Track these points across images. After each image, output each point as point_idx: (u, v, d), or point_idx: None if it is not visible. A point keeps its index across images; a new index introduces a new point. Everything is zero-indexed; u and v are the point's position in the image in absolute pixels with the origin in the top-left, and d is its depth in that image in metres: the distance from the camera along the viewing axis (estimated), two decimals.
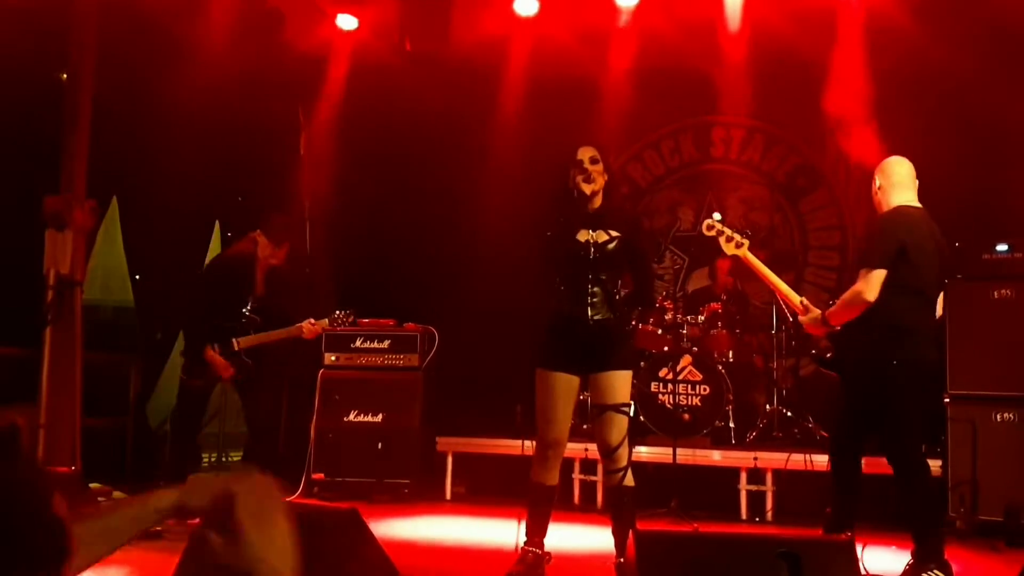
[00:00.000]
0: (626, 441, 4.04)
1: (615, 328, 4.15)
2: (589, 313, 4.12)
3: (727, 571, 2.73)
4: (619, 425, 4.05)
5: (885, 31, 6.97)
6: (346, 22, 7.62)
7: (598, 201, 4.24)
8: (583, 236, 4.17)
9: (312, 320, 5.74)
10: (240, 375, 5.62)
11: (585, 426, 6.15)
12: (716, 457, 6.27)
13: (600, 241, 4.15)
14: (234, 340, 5.61)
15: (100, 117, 6.52)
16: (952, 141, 6.68)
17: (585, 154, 4.21)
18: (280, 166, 7.86)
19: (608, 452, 4.07)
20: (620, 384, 4.09)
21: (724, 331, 6.95)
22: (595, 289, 4.13)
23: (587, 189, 4.13)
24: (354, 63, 7.92)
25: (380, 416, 6.73)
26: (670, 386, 6.60)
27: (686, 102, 8.28)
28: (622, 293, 4.24)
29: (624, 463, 4.03)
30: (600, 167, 4.20)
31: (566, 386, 4.16)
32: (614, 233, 4.15)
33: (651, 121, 8.41)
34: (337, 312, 5.80)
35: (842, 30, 7.13)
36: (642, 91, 7.94)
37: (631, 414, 4.14)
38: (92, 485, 6.27)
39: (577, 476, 6.46)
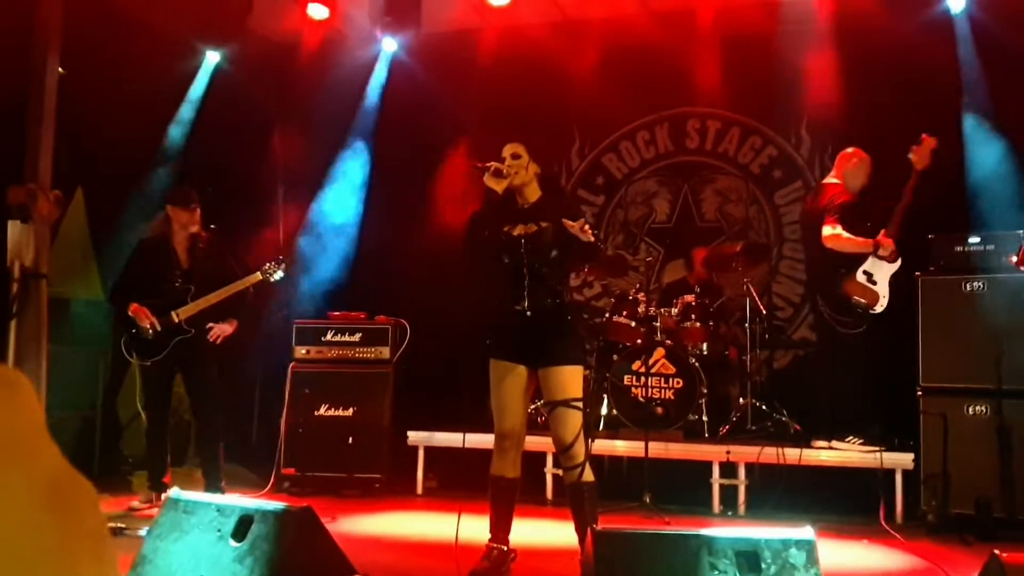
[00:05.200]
0: (581, 436, 3.99)
1: (557, 318, 4.12)
2: (527, 304, 4.11)
3: (686, 568, 2.68)
4: (572, 421, 4.00)
5: (857, 21, 6.96)
6: (317, 11, 7.50)
7: (532, 196, 4.25)
8: (518, 231, 4.16)
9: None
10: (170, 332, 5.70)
11: None
12: (688, 451, 6.23)
13: (531, 233, 4.14)
14: (173, 313, 5.72)
15: (66, 106, 6.40)
16: (925, 130, 6.67)
17: (507, 151, 4.21)
18: (252, 156, 7.79)
19: (563, 448, 4.03)
20: (568, 379, 4.04)
21: (698, 323, 6.90)
22: (532, 281, 4.11)
23: (495, 184, 4.07)
24: (325, 51, 7.82)
25: (351, 410, 6.66)
26: (643, 379, 6.57)
27: (662, 93, 8.23)
28: (565, 284, 4.21)
29: (581, 459, 3.98)
30: (523, 162, 4.18)
31: (514, 376, 4.13)
32: (545, 224, 4.13)
33: (627, 112, 8.35)
34: (268, 263, 5.90)
35: (817, 22, 7.12)
36: (617, 82, 7.91)
37: (583, 408, 4.09)
38: None
39: (549, 470, 6.41)
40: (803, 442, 6.03)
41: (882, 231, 5.72)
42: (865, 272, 5.80)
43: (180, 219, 5.83)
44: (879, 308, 5.79)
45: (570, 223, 3.93)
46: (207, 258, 5.88)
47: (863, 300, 5.81)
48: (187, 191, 5.93)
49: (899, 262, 5.76)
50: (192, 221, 5.84)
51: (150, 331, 5.66)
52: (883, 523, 5.16)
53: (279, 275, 5.94)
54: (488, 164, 4.11)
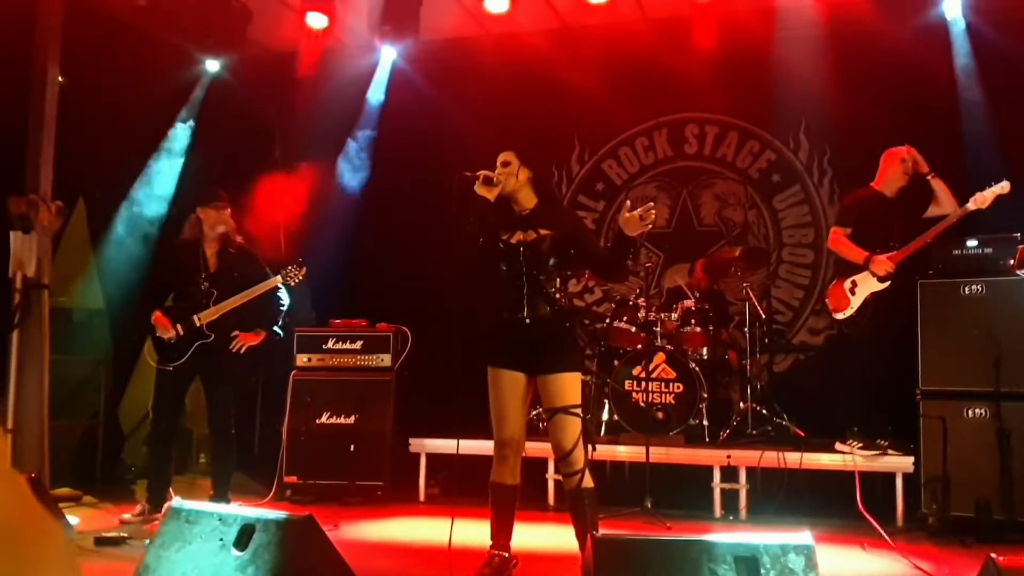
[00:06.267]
0: (580, 443, 4.00)
1: (556, 325, 4.13)
2: (525, 312, 4.12)
3: (686, 574, 2.69)
4: (571, 428, 4.01)
5: (854, 26, 6.99)
6: (316, 20, 7.51)
7: (528, 203, 4.24)
8: (516, 238, 4.17)
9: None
10: (192, 339, 5.59)
11: None
12: (689, 455, 6.23)
13: (529, 240, 4.14)
14: (195, 317, 5.61)
15: (66, 116, 6.43)
16: (922, 135, 6.69)
17: (499, 159, 4.23)
18: (251, 164, 7.80)
19: (562, 455, 4.03)
20: (568, 386, 4.05)
21: (698, 328, 6.91)
22: (530, 289, 4.12)
23: (486, 192, 4.09)
24: (324, 60, 7.83)
25: (353, 418, 6.67)
26: (644, 384, 6.58)
27: (660, 99, 8.25)
28: (564, 291, 4.23)
29: (580, 465, 3.99)
30: (512, 169, 4.18)
31: (513, 383, 4.14)
32: (544, 232, 4.14)
33: (626, 118, 8.37)
34: (289, 267, 5.81)
35: (813, 26, 7.15)
36: (616, 88, 7.93)
37: (582, 415, 4.09)
38: (62, 490, 6.21)
39: (550, 476, 6.41)
40: (822, 447, 6.01)
41: (891, 253, 5.73)
42: (852, 281, 5.84)
43: (209, 219, 5.69)
44: (840, 316, 5.87)
45: (628, 214, 3.90)
46: (236, 262, 5.74)
47: (831, 304, 5.94)
48: (215, 189, 5.79)
49: (887, 284, 5.74)
50: (220, 220, 5.71)
51: (172, 338, 5.57)
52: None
53: (299, 280, 5.84)
54: (478, 173, 4.13)
